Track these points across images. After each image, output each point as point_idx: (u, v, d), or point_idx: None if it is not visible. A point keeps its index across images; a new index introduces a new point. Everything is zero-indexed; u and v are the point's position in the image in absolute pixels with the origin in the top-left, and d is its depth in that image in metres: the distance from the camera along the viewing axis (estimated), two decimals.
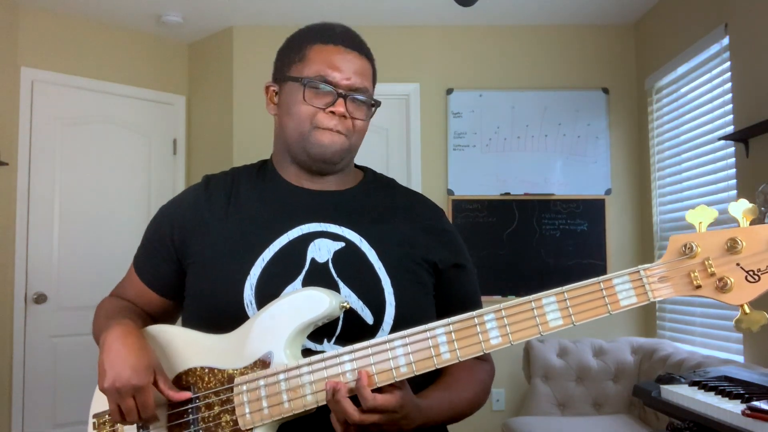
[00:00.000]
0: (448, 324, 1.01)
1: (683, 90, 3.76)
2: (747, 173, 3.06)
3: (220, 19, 4.31)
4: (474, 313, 1.01)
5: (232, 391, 1.08)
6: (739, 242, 0.90)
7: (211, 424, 1.09)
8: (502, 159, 4.27)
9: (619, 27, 4.37)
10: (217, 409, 1.10)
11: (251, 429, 1.07)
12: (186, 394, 1.11)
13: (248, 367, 1.09)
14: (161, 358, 1.16)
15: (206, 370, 1.12)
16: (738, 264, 0.90)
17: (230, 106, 4.39)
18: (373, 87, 1.28)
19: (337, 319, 1.12)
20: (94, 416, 1.17)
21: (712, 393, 1.99)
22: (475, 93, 4.31)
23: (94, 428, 1.17)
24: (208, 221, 1.23)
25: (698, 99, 3.60)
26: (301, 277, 1.15)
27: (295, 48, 1.25)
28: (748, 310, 0.90)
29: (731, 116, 3.21)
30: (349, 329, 1.12)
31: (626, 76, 4.34)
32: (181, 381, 1.13)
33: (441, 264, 1.23)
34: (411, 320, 1.05)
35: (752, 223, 0.90)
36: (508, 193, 4.23)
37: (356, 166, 1.35)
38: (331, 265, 1.17)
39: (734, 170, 3.18)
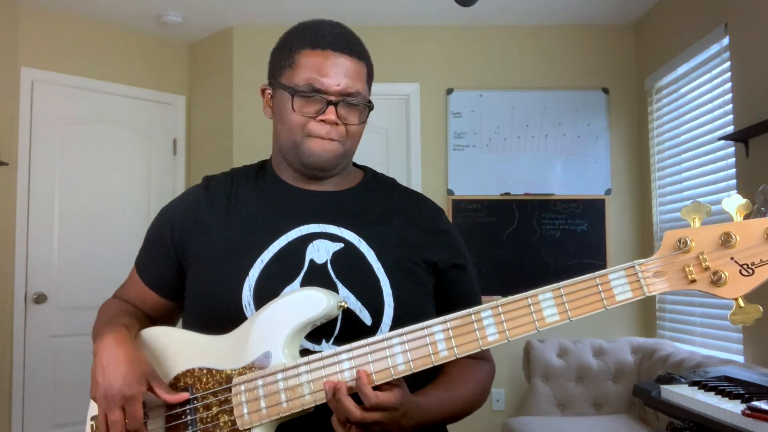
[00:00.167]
0: (446, 321, 1.01)
1: (683, 90, 3.76)
2: (747, 173, 3.05)
3: (220, 19, 4.32)
4: (471, 310, 1.01)
5: (230, 392, 1.08)
6: (733, 236, 0.91)
7: (209, 424, 1.09)
8: (502, 159, 4.27)
9: (619, 27, 4.37)
10: (215, 409, 1.10)
11: (249, 429, 1.06)
12: (184, 396, 1.11)
13: (246, 368, 1.09)
14: (159, 360, 1.16)
15: (204, 371, 1.12)
16: (732, 258, 0.91)
17: (230, 106, 4.39)
18: (369, 87, 1.25)
19: (336, 319, 1.12)
20: (92, 418, 1.16)
21: (712, 393, 1.99)
22: (475, 93, 4.32)
23: (92, 431, 1.17)
24: (207, 222, 1.23)
25: (698, 99, 3.59)
26: (299, 278, 1.15)
27: (285, 52, 1.22)
28: (742, 304, 0.91)
29: (731, 116, 3.21)
30: (347, 330, 1.12)
31: (626, 76, 4.34)
32: (180, 382, 1.13)
33: (441, 264, 1.23)
34: (410, 321, 1.05)
35: (746, 218, 0.90)
36: (508, 193, 4.23)
37: (356, 165, 1.35)
38: (329, 266, 1.16)
39: (734, 170, 3.17)
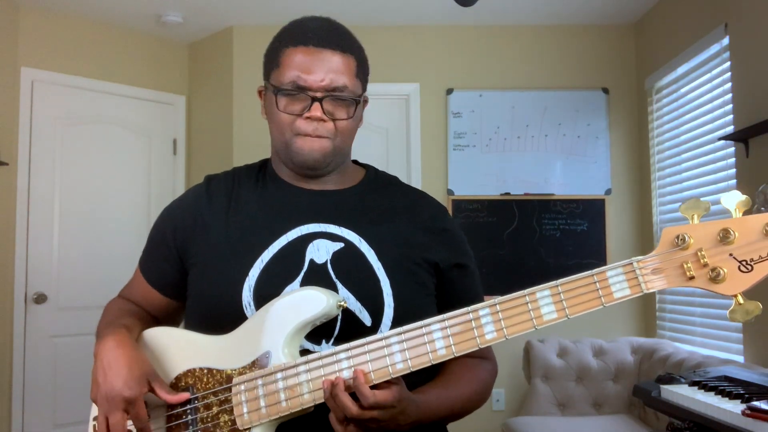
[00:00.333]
0: (444, 320, 1.01)
1: (683, 90, 3.76)
2: (747, 173, 3.05)
3: (220, 19, 4.32)
4: (469, 308, 1.01)
5: (231, 391, 1.09)
6: (732, 233, 0.90)
7: (209, 424, 1.10)
8: (502, 159, 4.27)
9: (619, 27, 4.37)
10: (215, 409, 1.10)
11: (249, 429, 1.07)
12: (184, 396, 1.11)
13: (246, 367, 1.09)
14: (160, 360, 1.16)
15: (205, 371, 1.12)
16: (731, 254, 0.90)
17: (230, 106, 4.39)
18: (361, 80, 1.23)
19: (336, 320, 1.12)
20: (95, 418, 1.16)
21: (712, 393, 1.99)
22: (475, 93, 4.31)
23: (95, 431, 1.17)
24: (208, 222, 1.23)
25: (698, 99, 3.59)
26: (299, 278, 1.15)
27: (272, 52, 1.22)
28: (741, 300, 0.90)
29: (731, 116, 3.21)
30: (347, 330, 1.12)
31: (626, 76, 4.34)
32: (181, 382, 1.14)
33: (442, 264, 1.22)
34: (410, 321, 1.04)
35: (745, 214, 0.90)
36: (508, 193, 4.23)
37: (359, 163, 1.34)
38: (329, 265, 1.16)
39: (734, 170, 3.17)
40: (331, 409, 1.01)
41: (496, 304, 0.99)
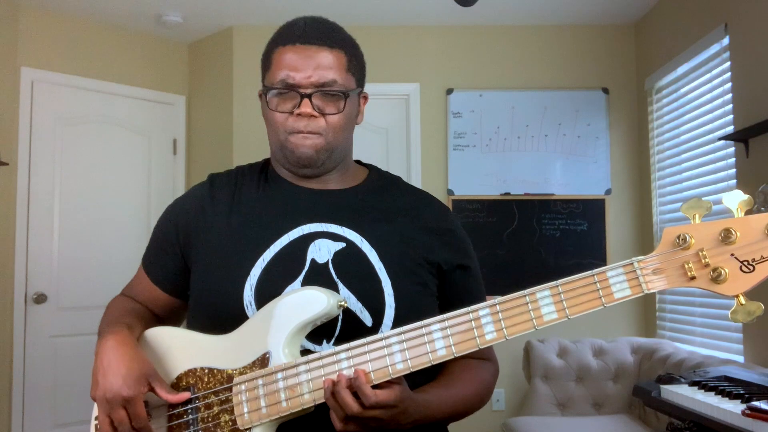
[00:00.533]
0: (444, 320, 1.01)
1: (683, 90, 3.76)
2: (747, 173, 3.05)
3: (220, 19, 4.32)
4: (469, 308, 1.01)
5: (231, 391, 1.09)
6: (733, 233, 0.90)
7: (210, 423, 1.10)
8: (502, 159, 4.27)
9: (619, 27, 4.37)
10: (216, 409, 1.10)
11: (249, 428, 1.07)
12: (185, 395, 1.11)
13: (247, 367, 1.09)
14: (162, 360, 1.16)
15: (206, 371, 1.12)
16: (732, 254, 0.90)
17: (230, 106, 4.39)
18: (354, 74, 1.23)
19: (336, 320, 1.12)
20: (97, 418, 1.16)
21: (712, 393, 2.00)
22: (475, 93, 4.31)
23: (96, 430, 1.17)
24: (211, 221, 1.23)
25: (698, 99, 3.59)
26: (300, 278, 1.15)
27: (265, 55, 1.24)
28: (743, 301, 0.90)
29: (731, 116, 3.21)
30: (348, 331, 1.12)
31: (626, 76, 4.34)
32: (182, 382, 1.14)
33: (445, 265, 1.22)
34: (410, 322, 1.04)
35: (747, 214, 0.90)
36: (508, 193, 4.23)
37: (362, 163, 1.34)
38: (331, 265, 1.16)
39: (734, 170, 3.17)
40: (331, 407, 1.01)
41: (496, 305, 0.99)
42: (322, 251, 1.17)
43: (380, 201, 1.26)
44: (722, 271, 0.90)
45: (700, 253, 0.92)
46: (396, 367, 1.01)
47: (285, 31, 1.22)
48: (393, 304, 1.15)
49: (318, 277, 1.15)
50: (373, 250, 1.18)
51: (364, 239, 1.18)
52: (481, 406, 1.22)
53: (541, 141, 4.28)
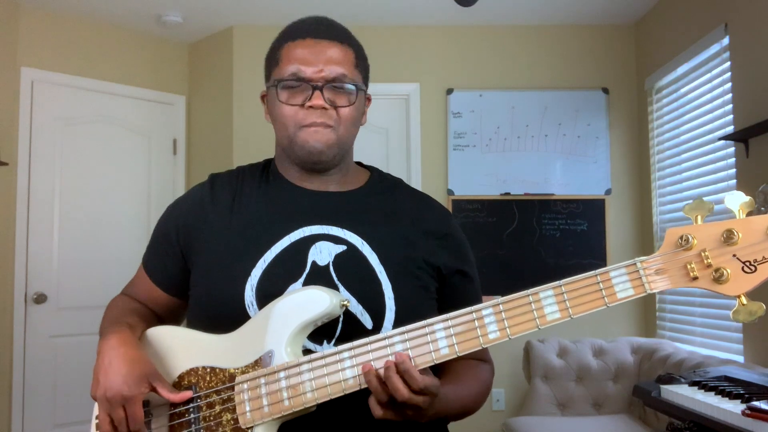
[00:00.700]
0: (447, 320, 1.01)
1: (683, 90, 3.76)
2: (747, 173, 3.05)
3: (220, 19, 4.32)
4: (472, 308, 1.01)
5: (233, 390, 1.09)
6: (736, 233, 0.90)
7: (212, 422, 1.10)
8: (502, 159, 4.27)
9: (619, 27, 4.37)
10: (218, 408, 1.10)
11: (251, 427, 1.07)
12: (187, 394, 1.11)
13: (249, 366, 1.09)
14: (163, 359, 1.16)
15: (208, 370, 1.12)
16: (734, 255, 0.91)
17: (230, 106, 4.39)
18: (361, 72, 1.24)
19: (337, 321, 1.12)
20: (97, 417, 1.16)
21: (712, 393, 2.00)
22: (475, 93, 4.32)
23: (97, 429, 1.17)
24: (212, 221, 1.23)
25: (698, 99, 3.60)
26: (301, 280, 1.15)
27: (271, 52, 1.24)
28: (745, 301, 0.91)
29: (731, 116, 3.21)
30: (348, 333, 1.12)
31: (626, 76, 4.34)
32: (183, 381, 1.14)
33: (445, 269, 1.22)
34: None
35: (748, 215, 0.90)
36: (508, 193, 4.23)
37: (363, 165, 1.34)
38: (331, 268, 1.16)
39: (734, 170, 3.18)
40: (375, 392, 0.99)
41: (499, 304, 0.99)
42: (323, 253, 1.17)
43: (381, 204, 1.26)
44: (724, 271, 0.90)
45: (703, 254, 0.92)
46: None
47: (293, 28, 1.23)
48: (393, 307, 1.15)
49: (319, 279, 1.15)
50: (374, 253, 1.18)
51: (365, 242, 1.18)
52: (481, 406, 1.22)
53: (541, 141, 4.28)
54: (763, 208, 2.70)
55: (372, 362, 1.02)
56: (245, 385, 1.08)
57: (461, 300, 1.20)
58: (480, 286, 1.30)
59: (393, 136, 4.37)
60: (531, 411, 3.63)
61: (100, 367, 1.10)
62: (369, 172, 1.33)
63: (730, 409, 1.80)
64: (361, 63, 1.24)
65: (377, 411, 0.99)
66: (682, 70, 3.73)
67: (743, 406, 1.78)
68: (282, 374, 1.05)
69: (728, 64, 3.24)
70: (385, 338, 1.02)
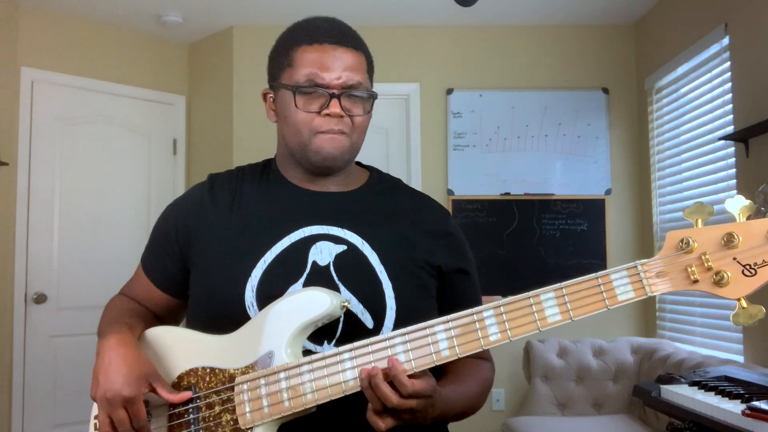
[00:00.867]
0: (448, 321, 1.01)
1: (683, 90, 3.76)
2: (747, 173, 3.05)
3: (220, 19, 4.32)
4: (473, 309, 1.01)
5: (233, 391, 1.09)
6: (736, 237, 0.91)
7: (211, 423, 1.10)
8: (502, 159, 4.27)
9: (619, 27, 4.37)
10: (217, 408, 1.10)
11: (251, 428, 1.07)
12: (186, 395, 1.11)
13: (249, 367, 1.09)
14: (163, 360, 1.16)
15: (207, 370, 1.12)
16: (735, 258, 0.91)
17: (230, 106, 4.39)
18: (370, 77, 1.24)
19: (338, 321, 1.12)
20: (96, 417, 1.16)
21: (712, 393, 2.00)
22: (475, 93, 4.32)
23: (95, 429, 1.17)
24: (211, 221, 1.23)
25: (698, 99, 3.60)
26: (302, 280, 1.15)
27: (282, 52, 1.22)
28: (745, 304, 0.91)
29: (731, 116, 3.21)
30: (349, 332, 1.12)
31: (626, 76, 4.34)
32: (183, 381, 1.14)
33: (445, 268, 1.23)
34: (411, 324, 1.04)
35: (748, 218, 0.90)
36: (508, 193, 4.23)
37: (363, 165, 1.34)
38: (332, 268, 1.16)
39: (734, 170, 3.18)
40: (370, 400, 0.99)
41: (500, 306, 0.99)
42: (323, 253, 1.17)
43: (381, 204, 1.27)
44: (725, 274, 0.91)
45: (703, 257, 0.92)
46: None
47: (308, 29, 1.21)
48: (394, 306, 1.15)
49: (319, 279, 1.15)
50: (374, 253, 1.18)
51: (365, 242, 1.19)
52: (483, 405, 1.23)
53: (541, 141, 4.28)
54: (763, 209, 2.70)
55: (372, 363, 1.02)
56: (245, 386, 1.08)
57: (461, 299, 1.20)
58: (479, 285, 1.31)
59: (393, 136, 4.37)
60: (531, 411, 3.64)
61: (99, 367, 1.10)
62: (368, 172, 1.33)
63: (730, 409, 1.80)
64: (371, 68, 1.25)
65: (379, 424, 0.99)
66: (682, 70, 3.73)
67: (743, 406, 1.78)
68: (282, 375, 1.05)
69: (728, 64, 3.24)
70: (385, 339, 1.02)
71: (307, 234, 1.19)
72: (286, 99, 1.20)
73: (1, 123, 3.88)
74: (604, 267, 4.20)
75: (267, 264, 1.16)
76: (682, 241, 0.94)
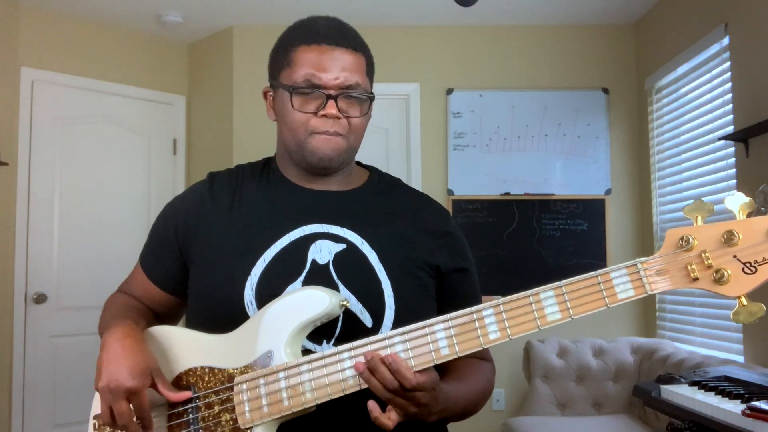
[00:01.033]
0: (447, 320, 1.01)
1: (683, 90, 3.76)
2: (747, 173, 3.05)
3: (220, 19, 4.32)
4: (473, 308, 1.01)
5: (232, 390, 1.09)
6: (736, 234, 0.90)
7: (210, 423, 1.10)
8: (502, 159, 4.27)
9: (619, 27, 4.37)
10: (217, 408, 1.10)
11: (250, 428, 1.06)
12: (186, 394, 1.11)
13: (248, 366, 1.09)
14: (162, 359, 1.16)
15: (206, 370, 1.12)
16: (735, 256, 0.91)
17: (230, 106, 4.39)
18: (370, 78, 1.24)
19: (337, 320, 1.12)
20: (95, 417, 1.17)
21: (712, 393, 2.00)
22: (475, 93, 4.32)
23: (95, 429, 1.17)
24: (211, 220, 1.23)
25: (698, 99, 3.60)
26: (301, 278, 1.15)
27: (282, 51, 1.22)
28: (745, 302, 0.91)
29: (731, 116, 3.21)
30: (348, 331, 1.12)
31: (626, 76, 4.34)
32: (182, 381, 1.14)
33: (444, 268, 1.23)
34: (410, 323, 1.04)
35: (748, 216, 0.90)
36: (508, 193, 4.23)
37: (363, 165, 1.34)
38: (331, 266, 1.16)
39: (734, 170, 3.18)
40: (371, 386, 0.99)
41: (499, 305, 0.99)
42: (322, 252, 1.17)
43: (381, 203, 1.27)
44: (725, 272, 0.91)
45: (703, 255, 0.92)
46: None
47: (307, 29, 1.21)
48: (393, 305, 1.15)
49: (318, 277, 1.15)
50: (374, 252, 1.18)
51: (364, 241, 1.18)
52: (484, 404, 1.22)
53: (541, 141, 4.28)
54: (763, 208, 2.70)
55: None
56: (244, 386, 1.08)
57: (461, 298, 1.20)
58: (479, 284, 1.31)
59: (393, 136, 4.37)
60: (531, 411, 3.63)
61: (104, 359, 1.10)
62: (368, 171, 1.33)
63: (730, 409, 1.80)
64: (371, 69, 1.24)
65: (386, 423, 0.99)
66: (682, 70, 3.73)
67: (743, 406, 1.78)
68: (281, 374, 1.05)
69: (728, 64, 3.24)
70: (385, 338, 1.02)
71: (306, 232, 1.18)
72: (284, 99, 1.20)
73: (1, 123, 3.88)
74: (604, 267, 4.20)
75: (267, 262, 1.16)
76: (682, 238, 0.93)
